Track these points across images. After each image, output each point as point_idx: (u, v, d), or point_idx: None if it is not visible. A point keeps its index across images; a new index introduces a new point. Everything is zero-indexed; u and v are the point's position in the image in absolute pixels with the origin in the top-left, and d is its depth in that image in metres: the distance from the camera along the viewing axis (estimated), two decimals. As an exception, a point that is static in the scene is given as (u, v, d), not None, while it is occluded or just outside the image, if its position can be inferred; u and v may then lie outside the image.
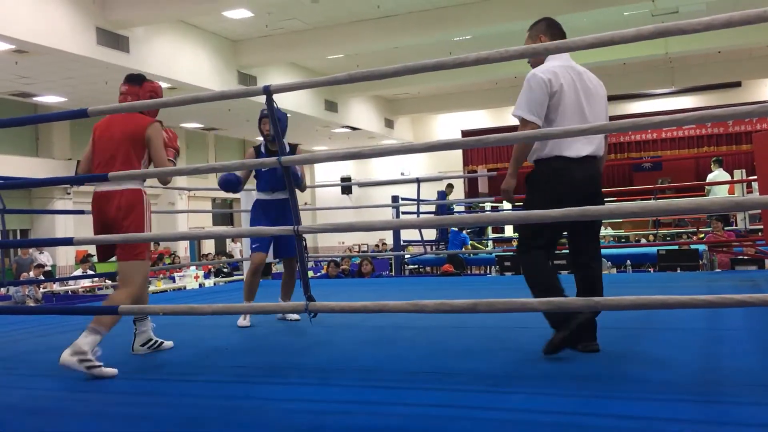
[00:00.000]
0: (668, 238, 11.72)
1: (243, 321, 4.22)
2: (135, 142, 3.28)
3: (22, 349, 3.88)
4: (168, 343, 3.57)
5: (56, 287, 11.71)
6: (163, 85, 13.37)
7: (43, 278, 11.02)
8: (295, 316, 4.36)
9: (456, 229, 11.46)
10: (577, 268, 3.11)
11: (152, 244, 15.06)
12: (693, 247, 8.22)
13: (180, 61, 13.39)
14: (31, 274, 12.22)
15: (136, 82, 3.48)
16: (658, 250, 8.20)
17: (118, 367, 2.99)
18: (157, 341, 3.51)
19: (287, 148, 4.17)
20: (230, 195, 21.55)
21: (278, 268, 14.26)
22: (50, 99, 14.65)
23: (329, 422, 2.20)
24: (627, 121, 2.36)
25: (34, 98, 14.67)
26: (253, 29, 14.23)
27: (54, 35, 10.65)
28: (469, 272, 11.31)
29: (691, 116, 2.26)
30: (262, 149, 4.51)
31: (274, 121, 2.76)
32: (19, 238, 15.88)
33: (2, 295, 10.41)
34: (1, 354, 3.76)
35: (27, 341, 4.17)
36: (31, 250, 14.58)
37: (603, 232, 13.39)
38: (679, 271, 7.66)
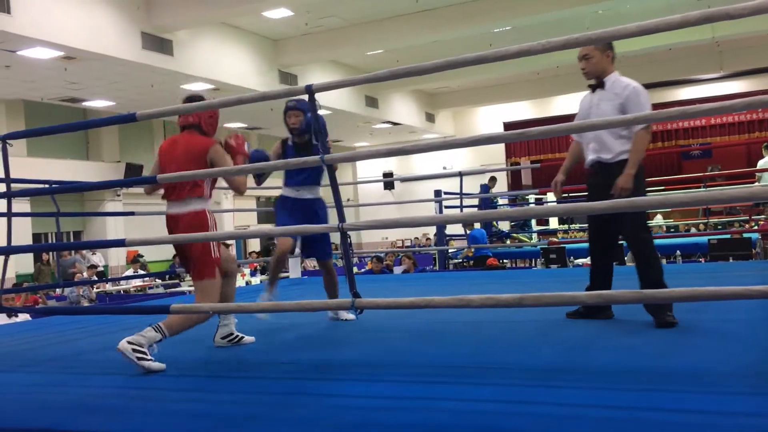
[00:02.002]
0: (719, 227, 11.43)
1: (262, 314, 4.10)
2: (198, 163, 3.32)
3: (78, 348, 3.99)
4: (249, 338, 3.65)
5: (109, 287, 12.03)
6: (207, 86, 13.63)
7: (96, 278, 11.32)
8: (351, 316, 4.26)
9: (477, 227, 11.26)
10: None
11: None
12: (745, 235, 8.00)
13: (222, 62, 13.59)
14: (85, 274, 12.57)
15: (197, 101, 3.50)
16: (709, 240, 8.00)
17: (175, 364, 3.05)
18: (237, 336, 3.60)
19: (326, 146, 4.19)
20: (274, 193, 21.77)
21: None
22: (98, 103, 15.01)
23: (377, 418, 2.21)
24: (675, 110, 2.31)
25: (83, 103, 15.06)
26: (293, 28, 14.33)
27: (101, 41, 10.92)
28: (514, 265, 11.22)
29: (740, 103, 2.20)
30: (289, 142, 4.37)
31: (317, 118, 2.78)
32: (72, 239, 16.34)
33: (58, 296, 10.74)
34: (58, 353, 3.89)
35: (82, 341, 4.29)
36: (84, 251, 14.99)
37: (653, 222, 13.13)
38: (731, 260, 7.47)
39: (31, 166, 13.02)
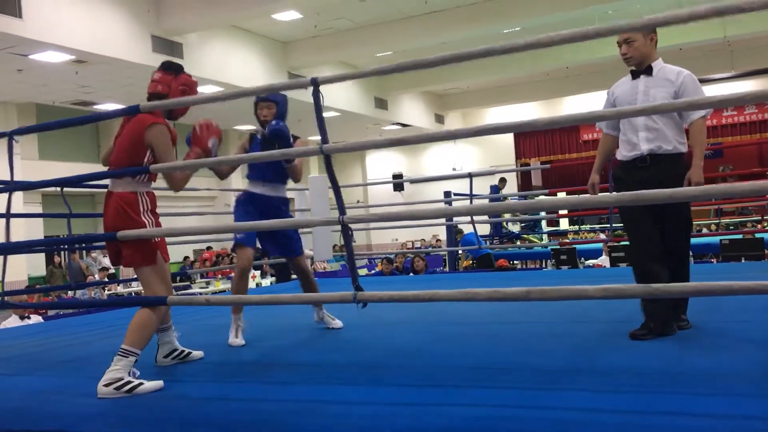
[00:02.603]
0: (731, 227, 11.35)
1: (235, 339, 3.69)
2: (135, 144, 3.01)
3: (90, 351, 3.99)
4: (197, 353, 3.36)
5: (120, 289, 12.08)
6: (216, 88, 13.68)
7: (107, 280, 11.37)
8: (339, 324, 4.04)
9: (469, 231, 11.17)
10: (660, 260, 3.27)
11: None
12: (758, 236, 7.94)
13: (232, 64, 13.64)
14: (96, 276, 12.63)
15: (172, 70, 3.16)
16: (721, 240, 7.95)
17: (183, 370, 3.03)
18: (182, 351, 3.31)
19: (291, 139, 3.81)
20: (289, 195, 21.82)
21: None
22: (109, 106, 15.09)
23: (384, 423, 2.18)
24: (683, 101, 2.29)
25: (94, 106, 15.14)
26: (302, 30, 14.37)
27: (111, 45, 10.99)
28: (524, 267, 11.18)
29: (750, 94, 2.18)
30: (258, 136, 4.01)
31: (320, 113, 2.72)
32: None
33: (70, 298, 10.79)
34: (70, 356, 3.90)
35: (94, 343, 4.30)
36: (95, 254, 15.05)
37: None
38: (743, 261, 7.41)
39: (42, 169, 13.11)
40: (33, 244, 4.57)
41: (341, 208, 2.75)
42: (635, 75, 3.29)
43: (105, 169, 3.16)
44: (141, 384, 2.71)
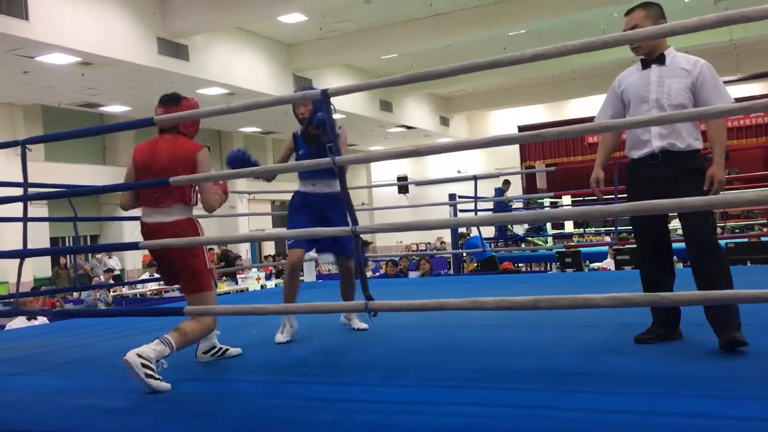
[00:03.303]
0: (737, 231, 11.32)
1: (281, 336, 3.79)
2: (186, 168, 3.11)
3: (95, 352, 4.02)
4: (234, 350, 3.48)
5: (125, 291, 12.11)
6: (221, 90, 13.72)
7: (113, 282, 11.41)
8: (364, 325, 4.07)
9: (475, 234, 11.19)
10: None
11: (214, 247, 15.27)
12: (764, 239, 7.92)
13: (237, 66, 13.67)
14: (102, 278, 12.67)
15: (173, 102, 3.25)
16: (726, 243, 7.93)
17: (189, 368, 3.06)
18: (221, 348, 3.43)
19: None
20: (289, 197, 21.84)
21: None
22: (115, 108, 15.14)
23: (392, 423, 2.20)
24: (692, 111, 2.30)
25: (100, 108, 15.19)
26: (307, 33, 14.39)
27: (118, 47, 11.03)
28: (529, 269, 11.17)
29: (757, 104, 2.18)
30: (299, 133, 4.06)
31: (332, 124, 2.77)
32: (89, 244, 16.48)
33: (75, 300, 10.82)
34: (75, 356, 3.92)
35: (99, 344, 4.32)
36: (99, 255, 15.11)
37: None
38: (749, 264, 7.39)
39: (48, 170, 13.15)
40: (56, 252, 4.54)
41: (354, 219, 2.77)
42: (646, 64, 3.07)
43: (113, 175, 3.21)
44: (157, 379, 2.74)
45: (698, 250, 2.91)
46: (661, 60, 3.03)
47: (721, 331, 2.82)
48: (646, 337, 3.06)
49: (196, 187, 3.17)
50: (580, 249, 9.54)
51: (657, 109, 2.97)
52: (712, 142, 2.95)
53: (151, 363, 2.73)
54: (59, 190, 4.04)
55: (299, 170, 3.65)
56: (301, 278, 7.93)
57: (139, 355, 2.71)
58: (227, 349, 3.45)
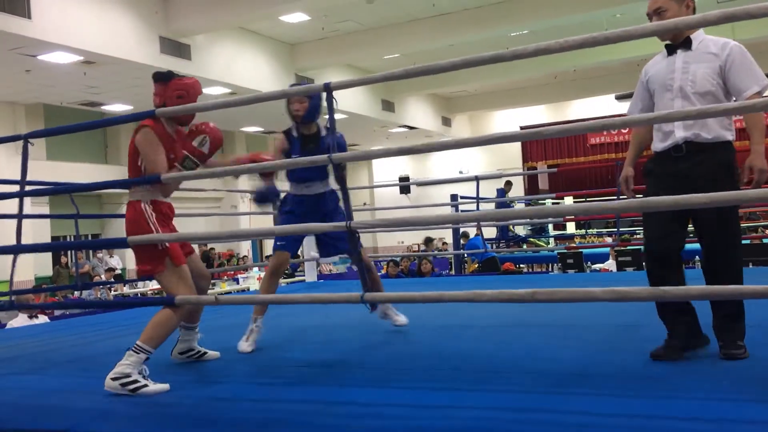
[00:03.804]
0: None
1: (245, 344, 3.57)
2: (133, 152, 3.07)
3: (95, 350, 4.01)
4: (213, 354, 3.41)
5: (126, 290, 12.11)
6: (224, 90, 13.70)
7: (114, 281, 11.40)
8: (402, 320, 3.86)
9: (475, 235, 11.17)
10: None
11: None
12: (765, 240, 7.90)
13: (239, 66, 13.66)
14: (103, 277, 12.67)
15: (163, 80, 3.14)
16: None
17: (194, 370, 3.04)
18: (198, 351, 3.37)
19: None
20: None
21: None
22: (117, 107, 15.14)
23: (392, 425, 2.19)
24: (694, 109, 2.28)
25: (102, 107, 15.19)
26: (309, 32, 14.38)
27: (120, 46, 11.02)
28: (530, 270, 11.16)
29: (761, 102, 2.16)
30: (294, 133, 3.90)
31: (332, 117, 2.74)
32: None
33: (76, 298, 10.83)
34: (75, 355, 3.91)
35: (99, 343, 4.31)
36: (100, 254, 15.11)
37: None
38: (750, 266, 7.38)
39: (50, 169, 13.16)
40: (46, 248, 4.51)
41: (349, 214, 2.76)
42: (671, 50, 2.85)
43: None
44: (146, 386, 2.72)
45: (710, 261, 2.77)
46: (687, 44, 2.81)
47: (724, 343, 2.71)
48: (662, 353, 2.78)
49: (142, 168, 3.04)
50: (581, 250, 9.52)
51: (681, 98, 2.77)
52: (749, 128, 2.72)
53: (130, 377, 2.71)
54: (56, 186, 4.00)
55: (297, 167, 3.54)
56: (302, 278, 7.93)
57: (114, 378, 2.72)
58: (205, 353, 3.39)
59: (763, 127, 2.70)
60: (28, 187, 3.64)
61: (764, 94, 2.62)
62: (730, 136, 2.77)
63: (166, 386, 2.75)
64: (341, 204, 3.58)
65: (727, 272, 2.70)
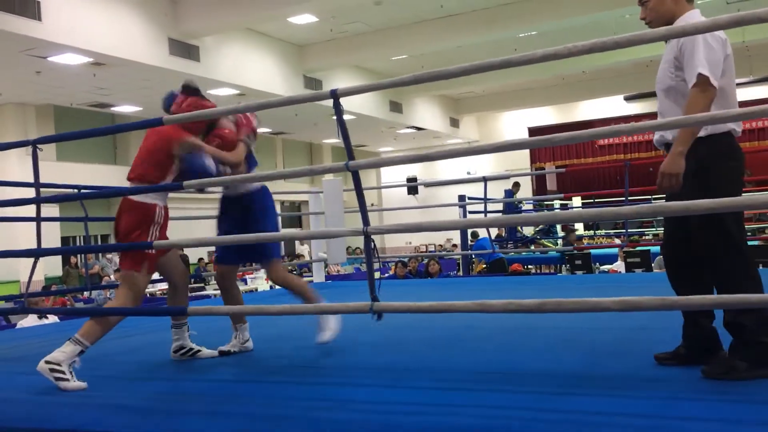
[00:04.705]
0: (749, 234, 11.24)
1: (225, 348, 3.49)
2: (163, 153, 3.20)
3: (104, 350, 4.03)
4: (208, 352, 3.44)
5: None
6: (232, 91, 13.75)
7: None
8: (326, 338, 3.42)
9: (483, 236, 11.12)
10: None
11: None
12: (775, 242, 7.86)
13: (248, 67, 13.71)
14: (113, 277, 12.73)
15: (188, 91, 3.37)
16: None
17: (200, 368, 3.05)
18: (191, 349, 3.42)
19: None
20: (298, 197, 21.80)
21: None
22: (126, 108, 15.22)
23: (399, 423, 2.20)
24: (704, 115, 2.27)
25: (112, 108, 15.27)
26: (317, 34, 14.42)
27: (129, 47, 11.09)
28: (538, 271, 11.14)
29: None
30: None
31: (343, 124, 2.75)
32: (100, 243, 16.55)
33: (86, 299, 10.88)
34: (84, 355, 3.92)
35: (108, 343, 4.32)
36: (110, 255, 15.17)
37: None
38: (761, 267, 7.34)
39: (60, 170, 13.24)
40: (69, 251, 4.55)
41: (365, 219, 2.75)
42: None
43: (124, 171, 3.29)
44: (67, 380, 2.84)
45: (701, 267, 2.55)
46: None
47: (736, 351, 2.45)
48: (665, 356, 2.68)
49: (173, 168, 3.23)
50: (590, 251, 9.50)
51: (658, 97, 2.61)
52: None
53: (60, 366, 2.84)
54: (72, 192, 4.05)
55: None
56: (309, 279, 7.91)
57: (48, 362, 2.85)
58: (199, 350, 3.43)
59: (696, 131, 2.40)
60: (42, 191, 3.68)
61: (711, 83, 2.35)
62: (700, 132, 2.44)
63: (82, 384, 2.86)
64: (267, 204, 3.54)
65: (715, 278, 2.49)
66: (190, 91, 3.34)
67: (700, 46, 2.38)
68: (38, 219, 3.70)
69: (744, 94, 19.59)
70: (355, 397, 2.57)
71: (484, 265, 10.38)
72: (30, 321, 6.33)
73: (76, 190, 4.82)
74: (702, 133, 2.44)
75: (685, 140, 2.36)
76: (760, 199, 2.19)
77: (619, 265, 9.40)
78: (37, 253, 3.66)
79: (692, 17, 2.51)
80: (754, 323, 2.37)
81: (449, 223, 2.64)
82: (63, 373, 2.83)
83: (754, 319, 2.38)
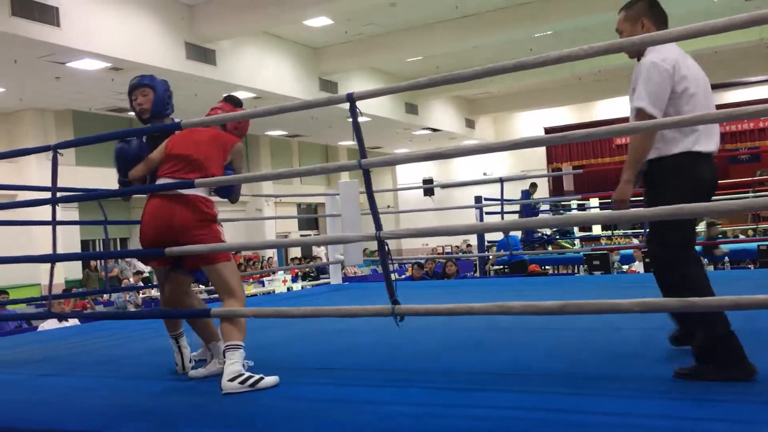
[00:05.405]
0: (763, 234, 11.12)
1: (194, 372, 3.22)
2: (220, 151, 3.17)
3: (124, 352, 4.08)
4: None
5: (154, 293, 12.25)
6: (248, 94, 13.83)
7: (142, 284, 11.55)
8: (200, 373, 3.11)
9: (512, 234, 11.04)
10: None
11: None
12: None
13: (264, 71, 13.78)
14: (131, 280, 12.84)
15: (231, 103, 3.44)
16: (758, 246, 7.79)
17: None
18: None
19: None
20: (314, 200, 21.85)
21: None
22: (144, 113, 15.33)
23: (413, 425, 2.20)
24: (722, 112, 2.26)
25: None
26: (333, 36, 14.46)
27: (147, 52, 11.19)
28: (556, 272, 11.09)
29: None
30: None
31: (358, 129, 2.75)
32: (119, 247, 16.70)
33: (105, 302, 10.99)
34: (105, 357, 3.98)
35: (129, 345, 4.38)
36: (129, 258, 15.31)
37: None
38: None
39: (79, 174, 13.39)
40: (86, 256, 4.55)
41: (378, 224, 2.73)
42: None
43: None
44: (262, 378, 2.78)
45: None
46: None
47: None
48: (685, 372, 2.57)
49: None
50: (608, 251, 9.44)
51: (630, 116, 2.71)
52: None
53: (244, 376, 2.75)
54: (86, 193, 4.09)
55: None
56: (327, 281, 7.89)
57: (232, 379, 2.73)
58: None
59: (636, 151, 2.57)
60: (59, 194, 3.71)
61: (648, 114, 2.51)
62: (654, 154, 2.60)
63: (276, 378, 2.82)
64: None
65: (661, 287, 2.62)
66: (233, 102, 3.40)
67: (641, 80, 2.57)
68: (54, 222, 3.71)
69: (763, 92, 19.39)
70: (367, 398, 2.57)
71: (504, 267, 10.34)
72: (51, 324, 6.41)
73: (90, 192, 4.86)
74: (653, 155, 2.60)
75: (628, 168, 2.59)
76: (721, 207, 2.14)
77: (638, 266, 9.34)
78: (54, 259, 3.68)
79: (650, 51, 2.62)
80: (701, 329, 2.50)
81: (464, 227, 2.65)
82: (251, 376, 2.76)
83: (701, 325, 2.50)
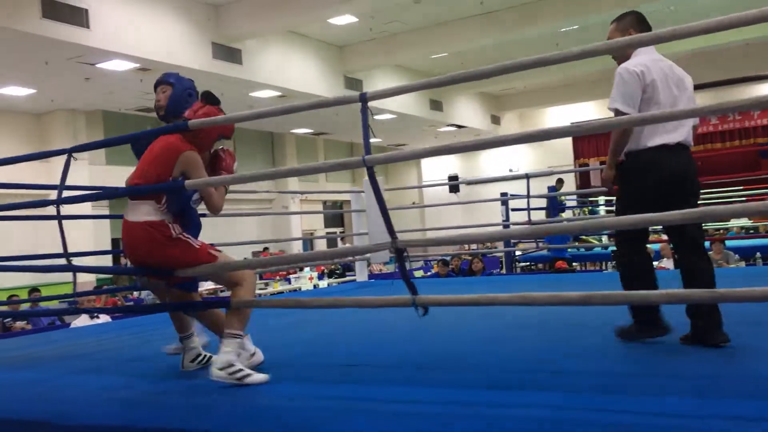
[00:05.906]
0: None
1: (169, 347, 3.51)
2: (163, 167, 2.99)
3: (155, 350, 4.12)
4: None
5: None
6: (274, 93, 13.92)
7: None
8: (191, 367, 3.29)
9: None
10: (678, 263, 3.03)
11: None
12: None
13: (289, 69, 13.86)
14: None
15: (206, 99, 3.19)
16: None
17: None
18: (206, 356, 3.30)
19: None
20: (340, 197, 21.88)
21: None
22: (172, 112, 15.50)
23: (436, 424, 2.21)
24: (738, 101, 2.23)
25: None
26: (357, 34, 14.49)
27: (174, 53, 11.33)
28: (583, 268, 11.00)
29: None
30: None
31: (366, 128, 2.69)
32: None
33: (135, 299, 11.16)
34: (136, 354, 4.04)
35: (160, 342, 4.43)
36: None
37: (731, 223, 12.62)
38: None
39: (110, 173, 13.61)
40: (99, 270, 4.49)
41: (391, 231, 2.60)
42: None
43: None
44: (250, 375, 2.77)
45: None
46: None
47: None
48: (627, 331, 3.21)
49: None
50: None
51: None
52: None
53: (234, 367, 2.74)
54: (91, 192, 4.13)
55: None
56: (353, 278, 7.90)
57: (221, 368, 2.74)
58: (211, 356, 3.26)
59: (616, 151, 3.05)
60: (68, 193, 3.74)
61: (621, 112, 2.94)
62: (632, 146, 3.05)
63: (266, 377, 2.80)
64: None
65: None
66: (210, 99, 3.16)
67: (615, 85, 3.00)
68: (59, 217, 3.65)
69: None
70: (388, 396, 2.57)
71: (529, 264, 10.26)
72: (83, 321, 6.54)
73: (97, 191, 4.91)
74: (626, 149, 3.05)
75: (610, 155, 3.06)
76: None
77: (668, 263, 9.22)
78: (72, 269, 3.67)
79: (645, 49, 3.06)
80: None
81: (485, 234, 2.64)
82: (241, 370, 2.75)
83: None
